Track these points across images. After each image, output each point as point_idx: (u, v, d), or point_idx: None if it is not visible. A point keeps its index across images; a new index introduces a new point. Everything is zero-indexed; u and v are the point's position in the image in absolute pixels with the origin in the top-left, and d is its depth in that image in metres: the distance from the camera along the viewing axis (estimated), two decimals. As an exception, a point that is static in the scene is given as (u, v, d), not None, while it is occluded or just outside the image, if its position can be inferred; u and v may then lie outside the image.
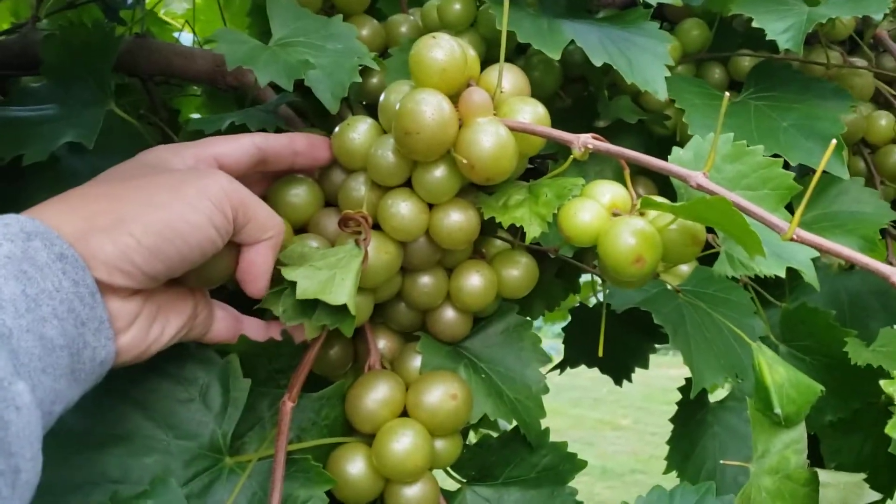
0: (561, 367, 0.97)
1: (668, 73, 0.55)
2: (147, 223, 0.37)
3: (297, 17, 0.55)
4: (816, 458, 0.75)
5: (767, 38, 0.59)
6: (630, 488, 3.66)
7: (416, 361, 0.53)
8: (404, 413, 0.51)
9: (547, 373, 0.57)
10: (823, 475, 0.49)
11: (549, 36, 0.53)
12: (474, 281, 0.53)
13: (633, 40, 0.56)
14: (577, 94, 0.74)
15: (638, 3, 0.63)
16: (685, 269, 0.62)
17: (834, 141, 0.38)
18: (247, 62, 0.49)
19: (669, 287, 0.60)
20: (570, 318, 0.98)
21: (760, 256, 0.37)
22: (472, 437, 0.86)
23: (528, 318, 0.58)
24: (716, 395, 0.72)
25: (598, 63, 0.52)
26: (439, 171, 0.48)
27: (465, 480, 0.56)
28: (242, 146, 0.47)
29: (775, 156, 0.45)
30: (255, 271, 0.44)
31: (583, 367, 0.98)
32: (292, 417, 0.47)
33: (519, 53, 0.69)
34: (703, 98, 0.62)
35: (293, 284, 0.45)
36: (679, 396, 0.70)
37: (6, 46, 0.68)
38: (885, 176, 0.76)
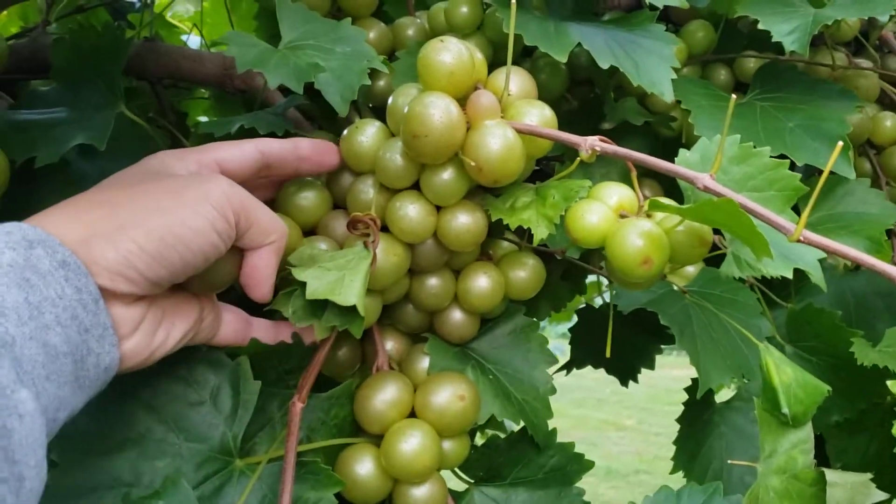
0: (567, 367, 0.97)
1: (675, 75, 0.55)
2: (149, 229, 0.37)
3: (306, 20, 0.55)
4: (822, 458, 0.75)
5: (773, 39, 0.60)
6: (634, 489, 3.66)
7: (424, 363, 0.53)
8: (412, 414, 0.51)
9: (553, 373, 0.57)
10: (831, 475, 0.50)
11: (556, 39, 0.53)
12: (482, 282, 0.53)
13: (640, 42, 0.56)
14: (583, 96, 0.74)
15: (644, 6, 0.63)
16: (691, 270, 0.63)
17: (841, 142, 0.38)
18: (257, 65, 0.50)
19: (676, 288, 0.60)
20: (576, 320, 0.98)
21: (767, 258, 0.37)
22: (479, 439, 0.86)
23: (535, 319, 0.58)
24: (720, 396, 0.72)
25: (604, 65, 0.53)
26: (447, 174, 0.48)
27: (472, 481, 0.56)
28: (245, 151, 0.47)
29: (781, 156, 0.46)
30: (258, 276, 0.44)
31: (586, 368, 0.99)
32: (302, 417, 0.48)
33: (525, 56, 0.69)
34: (710, 99, 0.62)
35: (303, 285, 0.45)
36: (683, 397, 0.70)
37: (16, 51, 0.69)
38: (891, 177, 0.76)
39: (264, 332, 0.49)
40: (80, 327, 0.34)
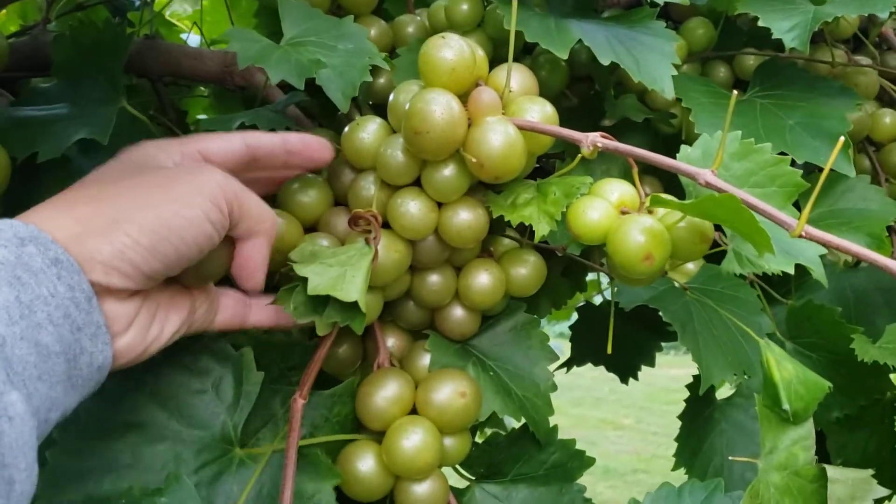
0: (567, 365, 0.97)
1: (675, 72, 0.55)
2: (143, 222, 0.37)
3: (308, 17, 0.55)
4: (823, 454, 0.76)
5: (773, 36, 0.60)
6: (632, 488, 3.66)
7: (425, 359, 0.53)
8: (414, 411, 0.51)
9: (553, 371, 0.57)
10: (832, 471, 0.50)
11: (557, 35, 0.53)
12: (483, 279, 0.53)
13: (640, 39, 0.56)
14: (584, 93, 0.74)
15: (644, 3, 0.63)
16: (692, 267, 0.63)
17: (842, 138, 0.38)
18: (258, 60, 0.49)
19: (677, 285, 0.60)
20: (576, 317, 0.99)
21: (769, 253, 0.37)
22: (479, 438, 0.86)
23: (536, 316, 0.58)
24: (721, 393, 0.72)
25: (605, 62, 0.53)
26: (448, 170, 0.48)
27: (473, 478, 0.56)
28: (231, 143, 0.46)
29: (782, 154, 0.46)
30: (251, 266, 0.44)
31: (584, 368, 0.99)
32: (305, 414, 0.48)
33: (525, 53, 0.69)
34: (710, 97, 0.62)
35: (304, 281, 0.45)
36: (681, 396, 0.70)
37: (17, 49, 0.69)
38: (890, 174, 0.77)
39: (264, 314, 0.48)
40: (73, 326, 0.34)
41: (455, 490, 0.54)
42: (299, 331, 0.49)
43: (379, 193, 0.51)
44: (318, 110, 0.68)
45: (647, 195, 0.46)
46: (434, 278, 0.53)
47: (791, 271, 0.44)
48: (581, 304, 1.02)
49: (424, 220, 0.49)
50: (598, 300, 1.07)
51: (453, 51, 0.46)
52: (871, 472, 0.52)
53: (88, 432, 0.44)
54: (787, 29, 0.59)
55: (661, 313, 0.58)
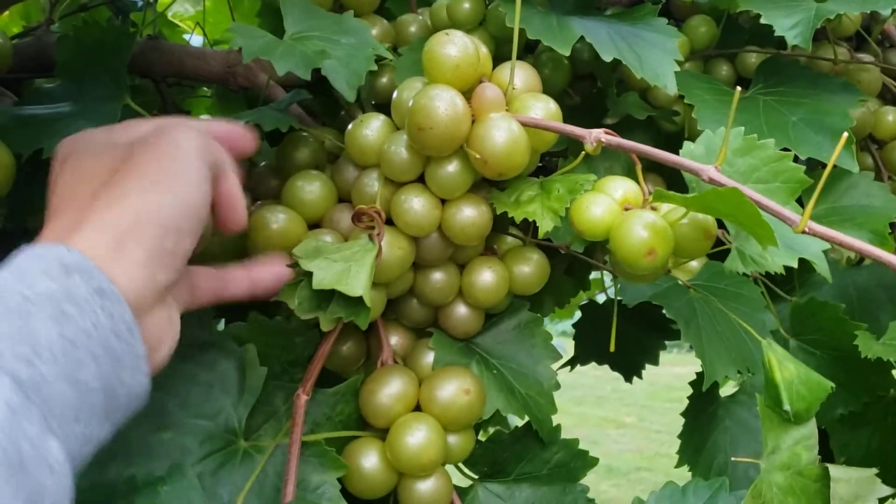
0: (571, 363, 0.97)
1: (678, 69, 0.55)
2: (165, 222, 0.35)
3: (310, 14, 0.56)
4: (826, 452, 0.75)
5: (776, 34, 0.60)
6: (635, 486, 3.66)
7: (429, 357, 0.53)
8: (417, 408, 0.51)
9: (557, 370, 0.57)
10: (835, 470, 0.50)
11: (559, 32, 0.53)
12: (486, 277, 0.53)
13: (642, 36, 0.56)
14: (586, 91, 0.74)
15: (645, 0, 0.63)
16: (695, 264, 0.63)
17: (845, 134, 0.38)
18: (263, 53, 0.49)
19: (680, 282, 0.60)
20: (579, 316, 0.99)
21: (773, 246, 0.37)
22: (482, 437, 0.86)
23: (539, 314, 0.58)
24: (724, 390, 0.72)
25: (607, 59, 0.53)
26: (452, 167, 0.48)
27: (477, 477, 0.56)
28: None
29: (785, 150, 0.46)
30: (233, 202, 0.42)
31: (587, 367, 0.99)
32: (307, 412, 0.48)
33: (527, 52, 0.69)
34: (713, 94, 0.62)
35: (309, 275, 0.45)
36: (684, 394, 0.70)
37: (20, 50, 0.69)
38: (893, 171, 0.76)
39: (240, 288, 0.46)
40: (113, 359, 0.32)
41: (458, 489, 0.54)
42: (300, 321, 0.49)
43: (383, 190, 0.51)
44: (320, 109, 0.68)
45: (650, 192, 0.46)
46: (437, 276, 0.53)
47: (795, 265, 0.44)
48: (584, 302, 1.02)
49: (428, 217, 0.49)
50: (601, 298, 1.07)
51: (457, 47, 0.46)
52: (874, 470, 0.52)
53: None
54: (790, 26, 0.59)
55: (664, 310, 0.58)
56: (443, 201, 0.50)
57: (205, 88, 0.93)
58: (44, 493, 0.28)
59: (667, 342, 0.94)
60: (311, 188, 0.53)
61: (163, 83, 0.74)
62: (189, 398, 0.47)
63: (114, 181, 0.36)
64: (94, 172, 0.37)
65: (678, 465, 0.68)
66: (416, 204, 0.49)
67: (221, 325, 0.57)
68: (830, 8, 0.60)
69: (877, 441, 0.74)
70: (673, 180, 0.67)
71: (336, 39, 0.53)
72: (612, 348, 0.59)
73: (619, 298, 0.64)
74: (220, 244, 0.52)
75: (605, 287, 1.03)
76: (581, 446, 0.56)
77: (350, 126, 0.52)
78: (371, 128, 0.51)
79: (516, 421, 0.56)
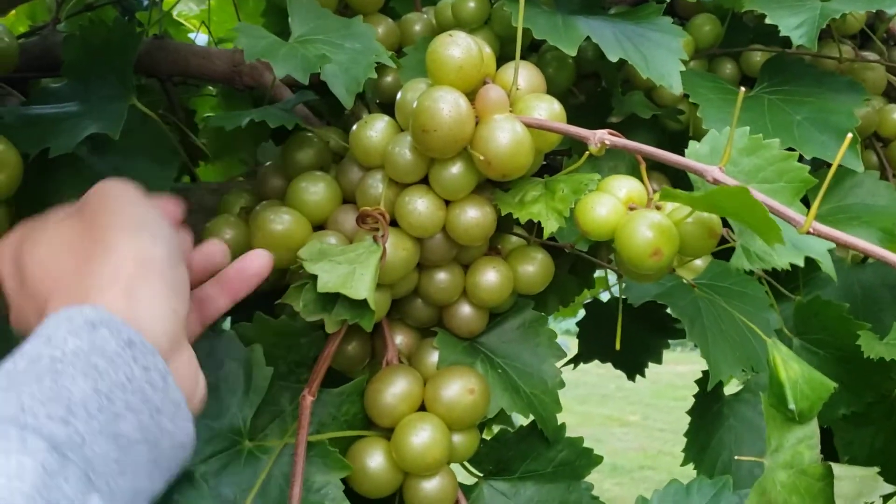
0: (574, 361, 0.97)
1: (683, 68, 0.55)
2: (171, 274, 0.36)
3: (317, 16, 0.56)
4: (830, 451, 0.75)
5: (781, 33, 0.60)
6: (639, 484, 3.65)
7: (434, 357, 0.53)
8: (422, 408, 0.51)
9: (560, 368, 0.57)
10: (838, 469, 0.50)
11: (565, 32, 0.53)
12: (490, 277, 0.53)
13: (648, 35, 0.56)
14: (591, 90, 0.74)
15: (650, -1, 0.63)
16: (700, 263, 0.63)
17: (850, 135, 0.38)
18: (265, 55, 0.50)
19: (685, 281, 0.60)
20: (583, 314, 0.99)
21: (779, 244, 0.37)
22: (486, 435, 0.87)
23: (543, 313, 0.59)
24: (728, 389, 0.72)
25: (613, 58, 0.53)
26: (456, 168, 0.48)
27: (482, 475, 0.56)
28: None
29: (790, 149, 0.46)
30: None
31: (590, 365, 0.99)
32: (313, 412, 0.48)
33: (532, 51, 0.69)
34: (717, 93, 0.62)
35: (314, 278, 0.45)
36: (687, 393, 0.70)
37: (27, 49, 0.69)
38: (898, 170, 0.76)
39: (219, 302, 0.45)
40: (152, 409, 0.32)
41: (463, 487, 0.54)
42: (304, 321, 0.49)
43: (387, 191, 0.51)
44: (326, 109, 0.68)
45: (655, 192, 0.46)
46: (442, 276, 0.53)
47: (800, 263, 0.44)
48: (588, 300, 1.02)
49: (432, 218, 0.49)
50: (605, 297, 1.07)
51: (461, 48, 0.47)
52: (877, 469, 0.52)
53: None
54: (795, 26, 0.59)
55: (669, 309, 0.58)
56: (447, 202, 0.50)
57: (210, 87, 0.93)
58: None
59: (672, 340, 0.94)
60: (316, 189, 0.53)
61: (168, 82, 0.74)
62: None
63: (92, 242, 0.36)
64: (64, 245, 0.37)
65: (684, 464, 0.68)
66: (421, 205, 0.49)
67: (227, 325, 0.58)
68: (835, 7, 0.60)
69: (881, 440, 0.74)
70: (678, 178, 0.67)
71: (340, 44, 0.54)
72: (617, 347, 0.59)
73: (623, 297, 0.64)
74: None
75: (609, 285, 1.03)
76: (585, 445, 0.56)
77: (354, 127, 0.52)
78: (375, 129, 0.52)
79: (521, 419, 0.56)
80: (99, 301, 0.33)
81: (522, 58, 0.49)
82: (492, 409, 0.52)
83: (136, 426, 0.31)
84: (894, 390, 0.71)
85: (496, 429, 0.76)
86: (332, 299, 0.47)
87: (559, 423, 0.55)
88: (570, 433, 0.56)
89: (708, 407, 0.68)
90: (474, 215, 0.50)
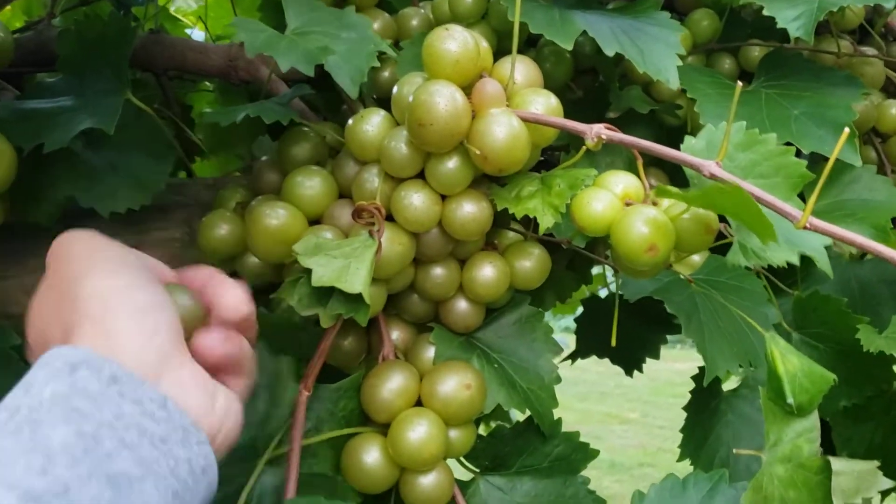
0: (573, 357, 0.97)
1: (680, 63, 0.55)
2: (132, 277, 0.35)
3: (311, 8, 0.55)
4: (828, 446, 0.75)
5: (778, 26, 0.59)
6: (638, 482, 3.66)
7: (430, 352, 0.53)
8: (419, 403, 0.51)
9: (558, 364, 0.57)
10: (837, 463, 0.50)
11: (561, 26, 0.53)
12: (487, 272, 0.53)
13: (645, 30, 0.56)
14: (588, 85, 0.74)
15: (648, -6, 0.63)
16: (697, 259, 0.62)
17: (847, 129, 0.38)
18: (266, 49, 0.49)
19: (682, 277, 0.60)
20: (581, 310, 0.99)
21: (773, 242, 0.37)
22: (482, 431, 0.87)
23: (540, 309, 0.58)
24: (727, 385, 0.72)
25: (610, 53, 0.53)
26: (452, 163, 0.48)
27: (478, 470, 0.56)
28: None
29: (787, 144, 0.45)
30: None
31: (589, 362, 0.99)
32: (310, 407, 0.48)
33: (529, 46, 0.69)
34: (715, 87, 0.62)
35: (308, 272, 0.45)
36: (687, 389, 0.70)
37: (22, 44, 0.69)
38: (896, 165, 0.76)
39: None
40: (154, 441, 0.31)
41: (460, 482, 0.54)
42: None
43: (383, 186, 0.51)
44: (323, 104, 0.68)
45: (651, 187, 0.46)
46: (438, 271, 0.53)
47: (796, 261, 0.44)
48: (585, 296, 1.02)
49: (428, 213, 0.49)
50: (603, 293, 1.07)
51: (457, 42, 0.46)
52: (876, 463, 0.52)
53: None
54: (793, 18, 0.59)
55: (665, 305, 0.58)
56: (443, 197, 0.50)
57: (206, 83, 0.93)
58: None
59: (671, 337, 0.94)
60: (312, 184, 0.53)
61: (164, 77, 0.74)
62: None
63: (62, 298, 0.35)
64: (47, 311, 0.36)
65: (680, 459, 0.68)
66: (417, 200, 0.49)
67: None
68: (833, 0, 0.59)
69: (879, 435, 0.74)
70: (675, 173, 0.67)
71: (337, 34, 0.53)
72: (613, 343, 0.59)
73: (620, 293, 0.64)
74: None
75: (607, 282, 1.03)
76: (583, 441, 0.56)
77: (350, 121, 0.52)
78: (371, 123, 0.51)
79: (518, 415, 0.56)
80: (77, 342, 0.32)
81: (520, 53, 0.49)
82: (488, 404, 0.52)
83: (134, 462, 0.30)
84: (893, 385, 0.71)
85: (493, 425, 0.76)
86: (327, 293, 0.47)
87: (556, 418, 0.55)
88: (569, 431, 0.56)
89: (705, 403, 0.68)
90: (471, 210, 0.50)
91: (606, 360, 0.96)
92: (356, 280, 0.45)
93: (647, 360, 0.94)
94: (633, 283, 0.64)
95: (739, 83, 0.41)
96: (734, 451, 0.65)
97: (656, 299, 0.60)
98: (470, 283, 0.54)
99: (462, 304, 0.55)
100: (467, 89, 0.47)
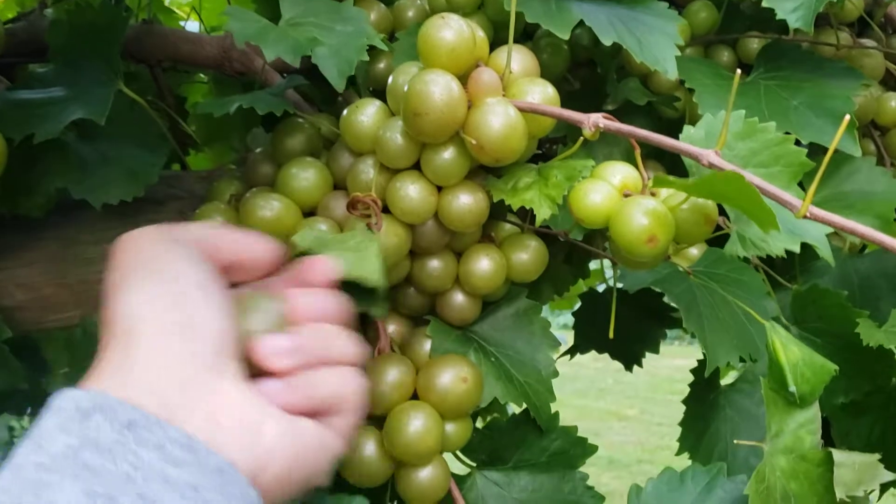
0: (571, 352, 0.97)
1: (678, 53, 0.54)
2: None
3: (307, -1, 0.55)
4: (827, 441, 0.75)
5: (777, 17, 0.59)
6: (637, 478, 3.65)
7: (426, 345, 0.53)
8: (415, 396, 0.51)
9: (556, 359, 0.57)
10: (838, 455, 0.49)
11: (558, 16, 0.52)
12: (483, 264, 0.53)
13: (642, 20, 0.55)
14: (586, 77, 0.73)
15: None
16: (695, 251, 0.62)
17: (847, 116, 0.37)
18: (255, 38, 0.49)
19: (681, 269, 0.60)
20: (579, 304, 0.98)
21: (774, 231, 0.37)
22: (479, 424, 0.86)
23: (538, 302, 0.58)
24: (725, 379, 0.72)
25: (607, 43, 0.52)
26: (448, 153, 0.48)
27: (475, 465, 0.56)
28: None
29: (786, 134, 0.45)
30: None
31: (587, 359, 0.98)
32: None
33: (526, 38, 0.68)
34: (714, 78, 0.61)
35: None
36: (686, 386, 0.70)
37: (13, 34, 0.69)
38: (895, 157, 0.76)
39: None
40: (183, 489, 0.27)
41: (456, 477, 0.53)
42: None
43: (378, 177, 0.50)
44: (317, 96, 0.68)
45: (650, 178, 0.45)
46: (434, 263, 0.53)
47: (797, 249, 0.43)
48: (583, 291, 1.02)
49: (424, 204, 0.49)
50: (601, 288, 1.06)
51: (453, 31, 0.46)
52: (877, 456, 0.52)
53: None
54: (792, 9, 0.58)
55: (665, 296, 0.57)
56: (439, 188, 0.50)
57: (201, 74, 0.92)
58: None
59: (668, 335, 0.94)
60: (306, 175, 0.52)
61: (157, 68, 0.73)
62: None
63: (107, 304, 0.33)
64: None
65: (678, 453, 0.67)
66: (412, 191, 0.48)
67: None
68: (834, -9, 0.59)
69: (878, 430, 0.74)
70: (673, 167, 0.66)
71: (331, 27, 0.53)
72: (611, 335, 0.58)
73: (618, 285, 0.64)
74: None
75: (605, 277, 1.03)
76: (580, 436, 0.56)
77: (345, 112, 0.52)
78: (366, 114, 0.51)
79: (515, 409, 0.56)
80: (103, 367, 0.30)
81: (517, 44, 0.48)
82: (485, 397, 0.52)
83: None
84: (893, 379, 0.71)
85: (490, 418, 0.76)
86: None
87: (553, 412, 0.55)
88: (567, 426, 0.56)
89: (704, 396, 0.68)
90: (467, 201, 0.49)
91: (604, 357, 0.95)
92: (374, 272, 0.43)
93: (647, 356, 0.94)
94: (632, 275, 0.63)
95: (738, 72, 0.41)
96: (735, 441, 0.65)
97: (654, 293, 0.60)
98: (466, 276, 0.53)
99: (459, 297, 0.55)
100: (463, 79, 0.47)
